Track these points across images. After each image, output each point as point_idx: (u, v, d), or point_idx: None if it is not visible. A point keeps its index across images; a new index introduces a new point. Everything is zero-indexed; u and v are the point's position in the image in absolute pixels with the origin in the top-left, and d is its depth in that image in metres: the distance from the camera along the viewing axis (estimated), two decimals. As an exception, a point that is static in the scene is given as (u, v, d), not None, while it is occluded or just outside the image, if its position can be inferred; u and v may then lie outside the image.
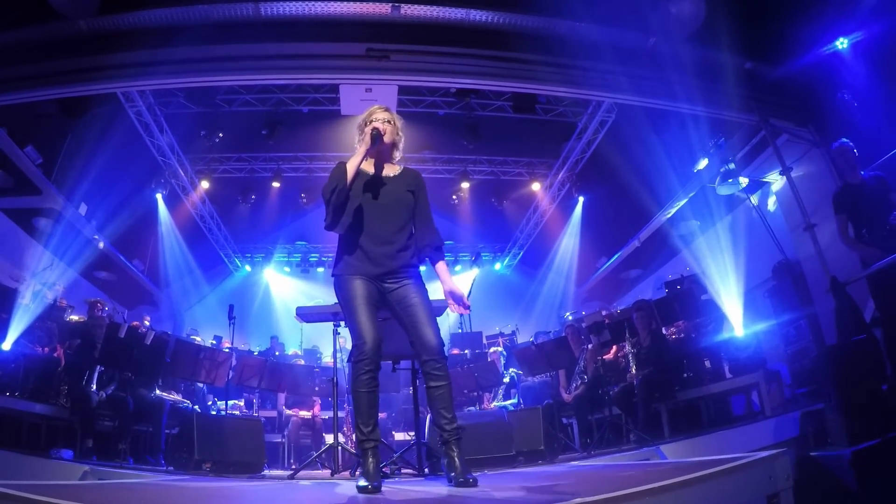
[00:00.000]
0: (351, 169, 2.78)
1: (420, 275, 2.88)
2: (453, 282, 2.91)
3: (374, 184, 2.88)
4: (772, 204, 7.42)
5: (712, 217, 8.33)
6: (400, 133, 3.02)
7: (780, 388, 5.39)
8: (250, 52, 5.43)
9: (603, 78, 5.66)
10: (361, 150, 2.82)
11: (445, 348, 2.78)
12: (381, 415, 8.37)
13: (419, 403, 4.88)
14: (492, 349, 9.72)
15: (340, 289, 2.77)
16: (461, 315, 7.97)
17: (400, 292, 2.76)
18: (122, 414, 5.46)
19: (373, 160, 2.95)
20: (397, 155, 3.04)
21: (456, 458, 2.56)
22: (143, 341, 5.52)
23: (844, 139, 4.76)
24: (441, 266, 2.94)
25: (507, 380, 8.14)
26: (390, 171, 2.99)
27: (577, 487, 2.11)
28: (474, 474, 2.54)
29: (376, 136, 2.83)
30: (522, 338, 10.99)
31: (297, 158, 10.75)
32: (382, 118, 2.95)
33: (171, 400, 6.33)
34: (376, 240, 2.77)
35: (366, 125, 2.94)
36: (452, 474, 2.54)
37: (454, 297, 2.89)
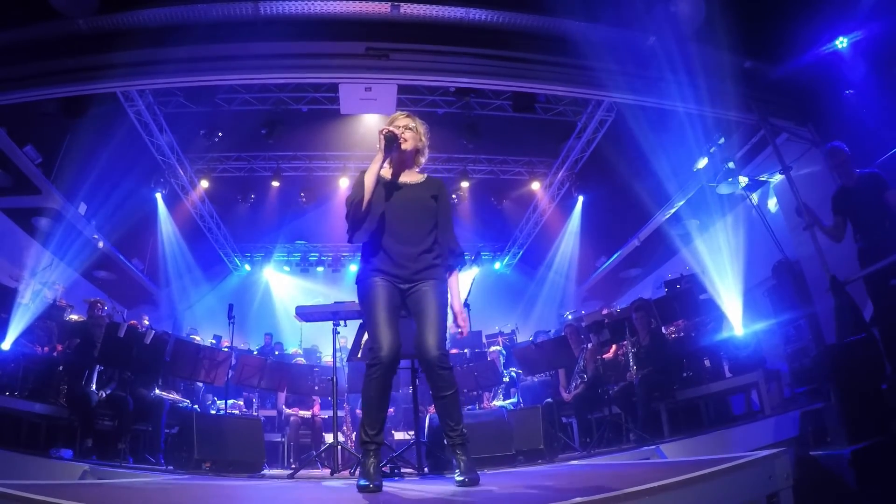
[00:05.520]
0: (369, 178, 2.73)
1: (442, 278, 2.84)
2: (458, 298, 2.93)
3: (397, 189, 2.85)
4: (771, 203, 7.42)
5: (712, 216, 8.33)
6: (423, 139, 2.97)
7: (780, 388, 5.39)
8: (250, 51, 5.42)
9: (602, 77, 5.65)
10: (378, 157, 2.76)
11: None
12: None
13: (419, 403, 4.88)
14: (491, 348, 9.72)
15: (362, 292, 2.76)
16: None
17: (417, 295, 2.74)
18: (121, 413, 5.45)
19: (394, 168, 2.92)
20: (421, 161, 3.00)
21: (459, 459, 2.61)
22: (143, 341, 5.52)
23: (836, 142, 4.78)
24: (452, 279, 2.95)
25: (506, 379, 8.14)
26: (414, 178, 2.96)
27: (577, 487, 2.11)
28: (477, 474, 2.57)
29: (390, 138, 2.77)
30: (522, 337, 10.99)
31: (297, 157, 10.75)
32: (403, 124, 2.90)
33: (171, 399, 6.32)
34: (399, 242, 2.76)
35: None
36: (456, 473, 2.59)
37: (453, 312, 2.91)
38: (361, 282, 2.78)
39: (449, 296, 2.87)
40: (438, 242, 2.87)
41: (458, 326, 2.95)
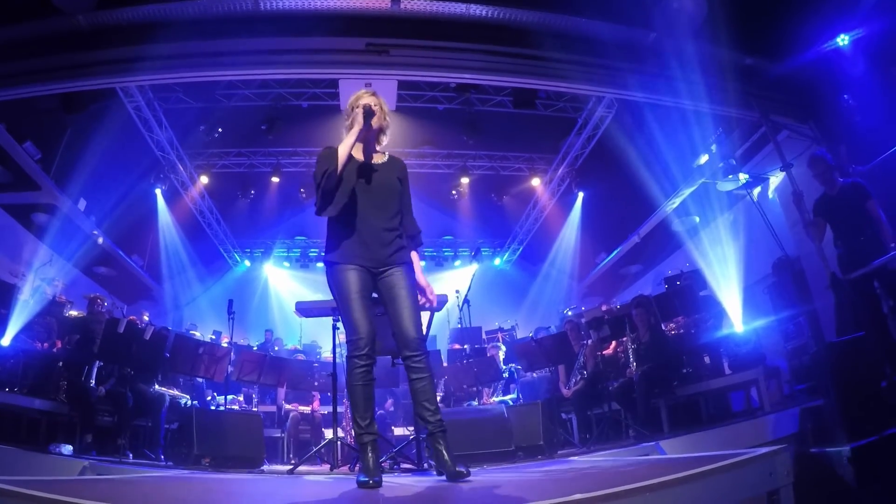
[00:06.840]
0: (343, 151, 2.76)
1: (410, 262, 2.89)
2: (422, 274, 2.98)
3: (365, 170, 2.87)
4: (772, 200, 7.41)
5: (712, 213, 8.32)
6: (387, 118, 3.01)
7: (780, 385, 5.40)
8: (249, 46, 5.41)
9: (603, 73, 5.65)
10: (355, 130, 2.80)
11: (436, 342, 2.80)
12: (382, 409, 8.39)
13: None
14: (491, 344, 9.72)
15: (334, 279, 2.76)
16: (460, 309, 7.97)
17: (389, 280, 2.77)
18: (121, 409, 5.45)
19: (361, 146, 2.93)
20: (384, 140, 3.02)
21: (444, 452, 2.56)
22: (143, 336, 5.52)
23: (819, 150, 4.80)
24: (414, 255, 2.98)
25: (506, 375, 8.15)
26: (378, 158, 2.99)
27: (577, 483, 2.11)
28: (466, 467, 2.54)
29: (368, 112, 2.82)
30: (522, 333, 10.99)
31: (297, 153, 10.73)
32: (371, 102, 2.90)
33: (171, 395, 6.32)
34: (370, 225, 2.78)
35: (353, 110, 2.89)
36: (443, 468, 2.55)
37: (419, 288, 2.94)
38: (333, 265, 2.76)
39: (418, 273, 2.95)
40: (403, 224, 2.93)
41: (427, 299, 2.97)
